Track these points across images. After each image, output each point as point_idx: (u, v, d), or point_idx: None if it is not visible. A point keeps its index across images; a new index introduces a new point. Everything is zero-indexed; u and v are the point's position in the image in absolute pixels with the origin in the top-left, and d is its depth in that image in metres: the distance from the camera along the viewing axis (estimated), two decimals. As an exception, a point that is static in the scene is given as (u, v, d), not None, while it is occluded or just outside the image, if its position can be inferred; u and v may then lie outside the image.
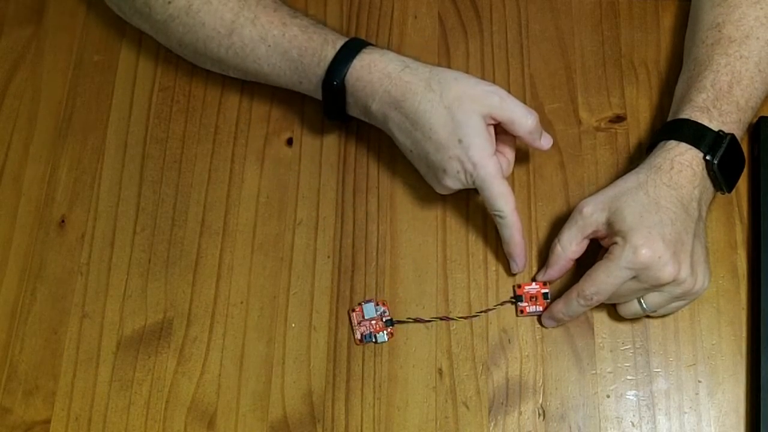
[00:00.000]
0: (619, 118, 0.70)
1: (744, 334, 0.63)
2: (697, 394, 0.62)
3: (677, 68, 0.71)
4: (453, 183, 0.62)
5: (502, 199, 0.60)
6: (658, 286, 0.58)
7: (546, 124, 0.70)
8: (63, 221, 0.68)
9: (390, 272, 0.66)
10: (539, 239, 0.66)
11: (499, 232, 0.63)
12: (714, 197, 0.64)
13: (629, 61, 0.72)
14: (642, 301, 0.60)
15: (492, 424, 0.61)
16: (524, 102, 0.71)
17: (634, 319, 0.63)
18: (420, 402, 0.62)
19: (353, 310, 0.64)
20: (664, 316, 0.63)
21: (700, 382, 0.62)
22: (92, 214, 0.69)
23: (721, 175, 0.60)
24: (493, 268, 0.66)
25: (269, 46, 0.64)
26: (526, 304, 0.64)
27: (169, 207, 0.69)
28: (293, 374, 0.63)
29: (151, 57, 0.74)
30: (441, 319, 0.64)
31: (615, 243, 0.58)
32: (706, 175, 0.60)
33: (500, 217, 0.61)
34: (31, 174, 0.70)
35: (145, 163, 0.70)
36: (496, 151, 0.62)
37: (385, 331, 0.63)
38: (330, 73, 0.62)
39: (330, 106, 0.65)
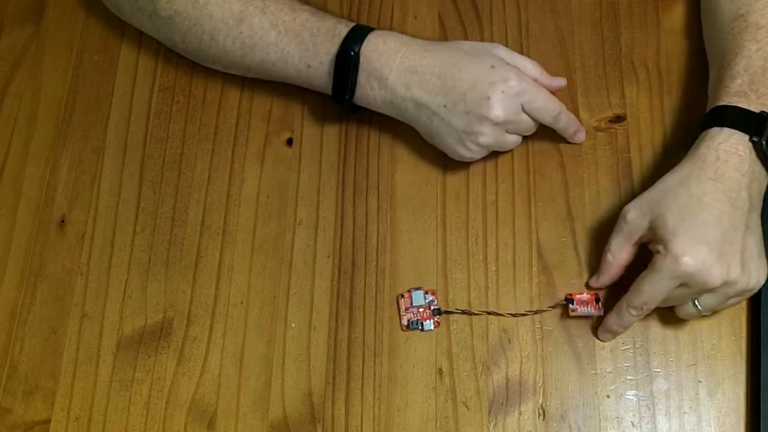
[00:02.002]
0: (619, 118, 0.70)
1: (744, 334, 0.63)
2: (697, 394, 0.62)
3: (677, 68, 0.71)
4: (500, 109, 0.61)
5: (552, 100, 0.63)
6: (708, 291, 0.57)
7: (546, 124, 0.70)
8: (63, 221, 0.68)
9: (390, 272, 0.66)
10: (539, 239, 0.66)
11: (560, 129, 0.66)
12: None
13: (629, 61, 0.72)
14: (697, 303, 0.59)
15: (492, 424, 0.61)
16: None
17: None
18: (420, 402, 0.62)
19: (402, 296, 0.64)
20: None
21: (700, 382, 0.62)
22: (92, 214, 0.69)
23: None
24: (493, 268, 0.66)
25: (280, 32, 0.64)
26: (576, 306, 0.63)
27: (169, 207, 0.69)
28: (293, 374, 0.63)
29: (151, 57, 0.74)
30: (488, 313, 0.64)
31: (658, 252, 0.57)
32: (755, 159, 0.58)
33: (557, 115, 0.64)
34: (31, 174, 0.70)
35: (145, 163, 0.70)
36: None
37: (432, 320, 0.63)
38: (346, 44, 0.63)
39: (340, 84, 0.64)
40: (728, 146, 0.58)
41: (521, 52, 0.72)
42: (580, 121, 0.69)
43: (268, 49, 0.65)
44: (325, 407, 0.62)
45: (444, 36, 0.74)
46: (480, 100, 0.61)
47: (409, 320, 0.63)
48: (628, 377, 0.62)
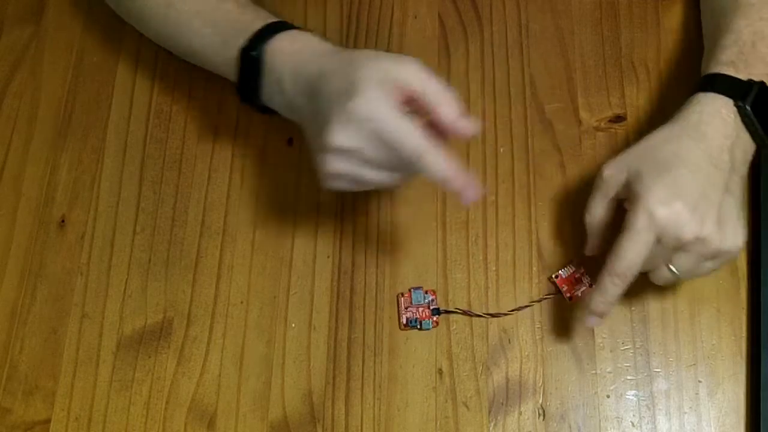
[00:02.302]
0: (619, 118, 0.70)
1: (744, 334, 0.63)
2: (697, 394, 0.62)
3: (677, 68, 0.71)
4: (339, 137, 0.51)
5: (410, 135, 0.51)
6: (681, 247, 0.54)
7: (546, 124, 0.70)
8: (63, 221, 0.68)
9: (390, 272, 0.66)
10: (539, 239, 0.66)
11: (430, 176, 0.52)
12: (753, 151, 0.60)
13: (629, 61, 0.72)
14: (671, 267, 0.56)
15: (492, 424, 0.61)
16: (524, 102, 0.72)
17: (634, 319, 0.63)
18: (420, 402, 0.62)
19: (402, 295, 0.64)
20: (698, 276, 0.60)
21: (700, 382, 0.62)
22: (92, 214, 0.69)
23: (759, 122, 0.57)
24: (493, 268, 0.66)
25: (203, 20, 0.63)
26: (566, 288, 0.64)
27: (169, 207, 0.69)
28: (293, 374, 0.63)
29: (151, 56, 0.74)
30: (491, 315, 0.64)
31: (632, 208, 0.55)
32: (740, 124, 0.57)
33: (418, 158, 0.51)
34: (31, 174, 0.70)
35: (145, 163, 0.70)
36: None
37: (431, 319, 0.63)
38: (251, 43, 0.59)
39: (244, 83, 0.60)
40: (712, 109, 0.57)
41: (521, 53, 0.73)
42: (578, 123, 0.69)
43: (192, 36, 0.64)
44: (325, 407, 0.62)
45: (444, 36, 0.74)
46: (325, 121, 0.53)
47: (408, 319, 0.63)
48: (628, 377, 0.62)
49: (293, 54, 0.58)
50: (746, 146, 0.59)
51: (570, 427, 0.61)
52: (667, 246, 0.54)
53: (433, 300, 0.64)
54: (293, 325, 0.65)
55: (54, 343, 0.65)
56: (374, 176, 0.54)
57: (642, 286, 0.65)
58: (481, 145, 0.70)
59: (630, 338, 0.63)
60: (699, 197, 0.54)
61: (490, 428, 0.61)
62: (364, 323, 0.64)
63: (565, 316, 0.64)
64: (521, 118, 0.70)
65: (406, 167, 0.53)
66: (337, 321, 0.64)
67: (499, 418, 0.61)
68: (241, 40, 0.60)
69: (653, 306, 0.64)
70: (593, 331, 0.64)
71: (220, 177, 0.69)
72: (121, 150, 0.71)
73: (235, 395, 0.63)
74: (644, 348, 0.63)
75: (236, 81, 0.61)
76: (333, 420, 0.62)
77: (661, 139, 0.58)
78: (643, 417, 0.61)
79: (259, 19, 0.60)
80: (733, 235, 0.56)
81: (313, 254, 0.67)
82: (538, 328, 0.64)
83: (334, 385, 0.63)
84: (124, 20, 0.73)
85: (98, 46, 0.75)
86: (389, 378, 0.63)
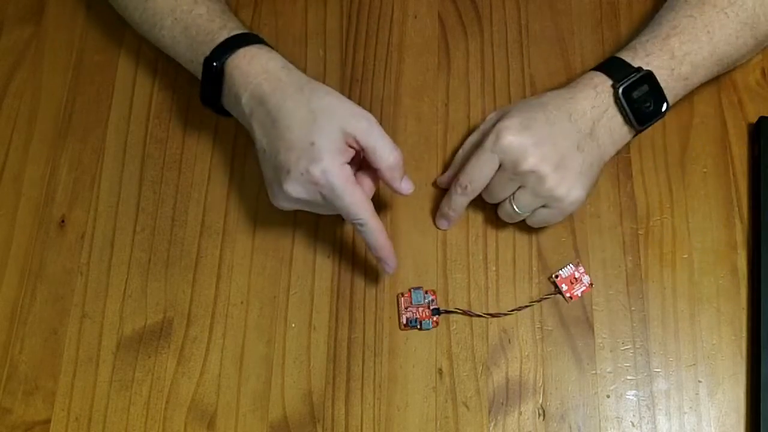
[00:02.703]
0: (619, 118, 0.70)
1: (744, 334, 0.63)
2: (697, 394, 0.62)
3: (677, 68, 0.71)
4: (295, 189, 0.57)
5: (358, 207, 0.56)
6: (520, 178, 0.59)
7: (546, 124, 0.70)
8: (63, 221, 0.68)
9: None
10: (539, 239, 0.66)
11: (364, 239, 0.59)
12: (627, 136, 0.62)
13: (629, 61, 0.72)
14: (512, 202, 0.61)
15: (492, 424, 0.61)
16: (524, 102, 0.71)
17: (634, 319, 0.63)
18: (420, 402, 0.62)
19: (402, 295, 0.64)
20: (540, 227, 0.65)
21: (700, 382, 0.62)
22: (92, 214, 0.69)
23: (627, 105, 0.60)
24: (494, 268, 0.66)
25: (175, 18, 0.64)
26: (566, 288, 0.64)
27: (169, 207, 0.69)
28: (293, 374, 0.63)
29: (151, 57, 0.74)
30: (491, 315, 0.64)
31: (488, 133, 0.60)
32: (611, 102, 0.61)
33: (360, 224, 0.57)
34: (31, 174, 0.70)
35: (145, 163, 0.70)
36: (355, 178, 0.58)
37: (431, 319, 0.63)
38: (213, 54, 0.61)
39: (206, 90, 0.63)
40: (589, 82, 0.62)
41: (521, 53, 0.73)
42: None
43: (164, 33, 0.65)
44: (325, 407, 0.62)
45: (444, 36, 0.74)
46: (284, 166, 0.57)
47: (408, 319, 0.63)
48: (628, 377, 0.62)
49: (250, 75, 0.60)
50: (615, 125, 0.62)
51: (570, 427, 0.61)
52: (508, 172, 0.59)
53: (433, 300, 0.64)
54: (293, 325, 0.65)
55: (54, 343, 0.65)
56: (322, 213, 0.61)
57: (642, 286, 0.65)
58: (481, 145, 0.70)
59: (630, 338, 0.63)
60: (545, 138, 0.59)
61: (490, 428, 0.61)
62: (364, 323, 0.64)
63: (565, 316, 0.64)
64: (521, 118, 0.70)
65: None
66: (337, 321, 0.64)
67: (499, 418, 0.61)
68: (206, 49, 0.62)
69: (653, 306, 0.64)
70: (593, 331, 0.64)
71: (220, 177, 0.69)
72: (121, 150, 0.71)
73: (235, 395, 0.63)
74: (644, 348, 0.63)
75: (200, 86, 0.63)
76: (333, 420, 0.62)
77: (537, 95, 0.63)
78: (643, 417, 0.61)
79: (225, 30, 0.62)
80: (569, 187, 0.59)
81: (313, 254, 0.67)
82: (538, 328, 0.64)
83: (334, 385, 0.63)
84: (124, 20, 0.73)
85: (98, 46, 0.75)
86: (389, 378, 0.63)
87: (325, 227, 0.67)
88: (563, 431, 0.61)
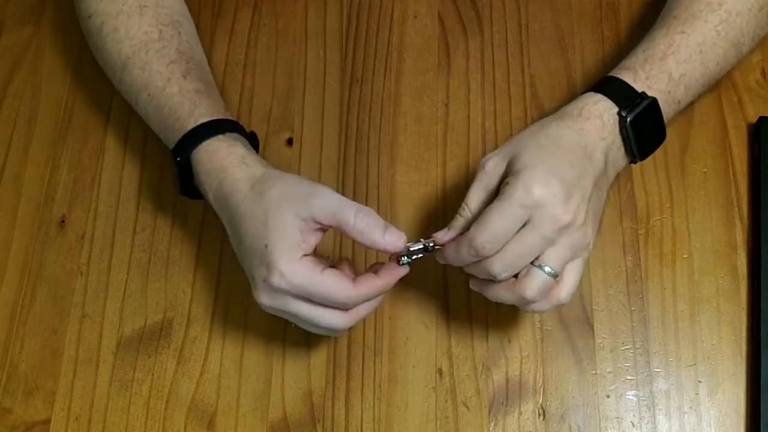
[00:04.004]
0: (619, 118, 0.70)
1: (744, 334, 0.63)
2: (697, 394, 0.62)
3: (677, 68, 0.71)
4: (264, 297, 0.53)
5: (336, 293, 0.52)
6: (554, 232, 0.51)
7: (546, 124, 0.70)
8: (63, 221, 0.68)
9: (390, 272, 0.66)
10: (539, 239, 0.66)
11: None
12: (624, 165, 0.59)
13: (629, 61, 0.72)
14: (541, 265, 0.52)
15: (492, 424, 0.61)
16: (524, 102, 0.71)
17: (634, 319, 0.63)
18: (420, 402, 0.62)
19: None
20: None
21: (700, 382, 0.62)
22: (92, 214, 0.69)
23: (635, 136, 0.57)
24: (493, 268, 0.66)
25: (149, 94, 0.63)
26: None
27: (169, 207, 0.69)
28: (293, 374, 0.63)
29: (151, 57, 0.74)
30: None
31: (507, 183, 0.52)
32: (617, 131, 0.57)
33: (346, 305, 0.54)
34: (31, 174, 0.70)
35: (144, 163, 0.70)
36: (336, 267, 0.55)
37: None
38: (177, 148, 0.60)
39: (179, 180, 0.61)
40: (594, 109, 0.57)
41: (521, 53, 0.73)
42: None
43: (139, 107, 0.65)
44: (325, 407, 0.62)
45: (444, 36, 0.74)
46: (249, 274, 0.55)
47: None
48: (628, 377, 0.62)
49: (211, 174, 0.58)
50: (618, 157, 0.58)
51: (570, 427, 0.61)
52: (540, 229, 0.51)
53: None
54: (293, 325, 0.64)
55: (54, 343, 0.65)
56: (317, 312, 0.54)
57: (642, 286, 0.65)
58: (482, 144, 0.70)
59: (630, 338, 0.63)
60: (574, 184, 0.52)
61: (490, 428, 0.61)
62: (364, 323, 0.64)
63: (565, 316, 0.64)
64: (521, 118, 0.70)
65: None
66: (337, 321, 0.64)
67: (499, 418, 0.61)
68: (173, 138, 0.60)
69: (653, 306, 0.64)
70: (593, 331, 0.64)
71: (220, 177, 0.69)
72: (121, 150, 0.71)
73: (235, 395, 0.63)
74: (644, 348, 0.63)
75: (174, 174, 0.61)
76: (333, 420, 0.62)
77: (539, 126, 0.56)
78: (643, 417, 0.61)
79: (191, 118, 0.60)
80: (593, 234, 0.54)
81: (313, 254, 0.67)
82: (538, 328, 0.64)
83: (334, 385, 0.63)
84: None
85: (98, 46, 0.75)
86: (389, 378, 0.63)
87: (325, 227, 0.67)
88: (563, 431, 0.61)
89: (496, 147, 0.69)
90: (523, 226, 0.51)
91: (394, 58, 0.73)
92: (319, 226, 0.53)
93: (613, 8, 0.75)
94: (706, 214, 0.67)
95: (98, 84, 0.73)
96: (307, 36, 0.74)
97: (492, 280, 0.54)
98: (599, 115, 0.56)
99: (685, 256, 0.66)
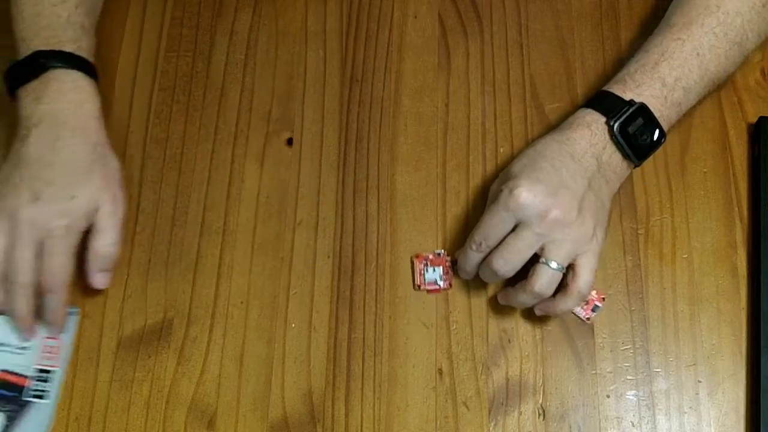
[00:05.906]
0: (619, 118, 0.70)
1: (744, 334, 0.63)
2: (697, 394, 0.62)
3: (677, 68, 0.71)
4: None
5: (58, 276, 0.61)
6: (545, 227, 0.57)
7: (546, 123, 0.70)
8: (63, 221, 0.68)
9: (390, 272, 0.66)
10: (539, 239, 0.66)
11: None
12: (626, 167, 0.62)
13: (629, 61, 0.72)
14: (547, 261, 0.58)
15: (492, 424, 0.61)
16: (524, 102, 0.71)
17: (634, 319, 0.63)
18: (420, 402, 0.62)
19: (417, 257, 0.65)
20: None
21: (700, 382, 0.62)
22: (92, 214, 0.68)
23: (624, 141, 0.60)
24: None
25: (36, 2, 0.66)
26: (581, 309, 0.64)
27: (169, 207, 0.69)
28: (293, 374, 0.63)
29: (151, 56, 0.74)
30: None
31: (500, 191, 0.59)
32: (608, 138, 0.60)
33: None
34: (31, 174, 0.70)
35: (145, 163, 0.70)
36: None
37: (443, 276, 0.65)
38: (48, 55, 0.64)
39: (16, 69, 0.65)
40: (582, 121, 0.61)
41: (521, 53, 0.73)
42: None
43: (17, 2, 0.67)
44: (325, 407, 0.62)
45: (444, 36, 0.74)
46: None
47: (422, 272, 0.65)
48: (628, 377, 0.62)
49: (60, 94, 0.64)
50: (614, 161, 0.61)
51: (570, 427, 0.61)
52: (532, 229, 0.57)
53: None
54: (293, 325, 0.65)
55: (54, 343, 0.65)
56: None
57: (642, 286, 0.65)
58: (481, 145, 0.70)
59: (630, 338, 0.63)
60: (560, 186, 0.58)
61: (490, 428, 0.61)
62: (364, 323, 0.64)
63: (564, 316, 0.64)
64: (521, 117, 0.70)
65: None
66: (337, 321, 0.64)
67: (499, 418, 0.61)
68: (44, 45, 0.64)
69: (653, 306, 0.64)
70: (593, 331, 0.64)
71: (220, 177, 0.69)
72: (121, 150, 0.71)
73: (235, 395, 0.63)
74: (644, 348, 0.63)
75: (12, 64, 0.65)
76: (333, 420, 0.62)
77: (531, 144, 0.62)
78: (643, 417, 0.61)
79: (74, 44, 0.65)
80: (593, 226, 0.58)
81: (313, 254, 0.67)
82: (538, 328, 0.64)
83: (334, 385, 0.63)
84: (125, 22, 0.73)
85: (98, 45, 0.74)
86: (389, 378, 0.63)
87: (325, 227, 0.67)
88: (563, 431, 0.61)
89: (496, 147, 0.70)
90: (519, 225, 0.58)
91: (394, 58, 0.73)
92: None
93: (613, 8, 0.75)
94: (706, 214, 0.67)
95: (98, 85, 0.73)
96: (307, 36, 0.74)
97: (513, 289, 0.60)
98: (587, 126, 0.61)
99: (685, 256, 0.66)
